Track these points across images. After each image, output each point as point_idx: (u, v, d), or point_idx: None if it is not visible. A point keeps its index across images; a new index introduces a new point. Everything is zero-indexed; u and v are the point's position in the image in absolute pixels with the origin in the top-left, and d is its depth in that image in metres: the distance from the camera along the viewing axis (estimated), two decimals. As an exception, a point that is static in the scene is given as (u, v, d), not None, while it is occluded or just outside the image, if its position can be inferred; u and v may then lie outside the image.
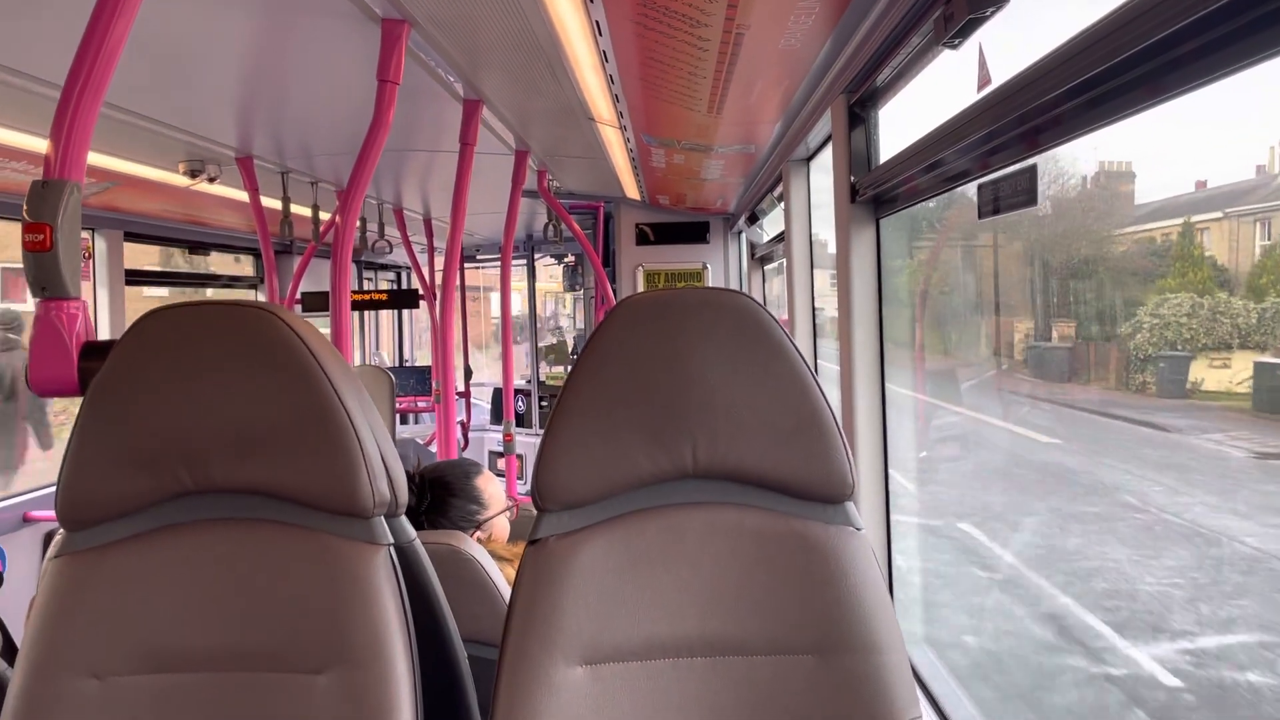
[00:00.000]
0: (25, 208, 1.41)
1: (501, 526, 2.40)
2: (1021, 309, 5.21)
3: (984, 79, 1.60)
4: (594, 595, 1.27)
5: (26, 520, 4.00)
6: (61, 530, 1.34)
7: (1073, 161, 4.08)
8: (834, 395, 1.60)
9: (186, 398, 1.28)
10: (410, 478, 2.23)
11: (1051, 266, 4.80)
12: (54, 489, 1.31)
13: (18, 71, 2.37)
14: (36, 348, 1.44)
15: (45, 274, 1.42)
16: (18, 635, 3.00)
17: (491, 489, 2.39)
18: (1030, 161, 1.52)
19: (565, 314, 10.51)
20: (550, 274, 9.34)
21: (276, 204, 4.30)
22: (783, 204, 3.68)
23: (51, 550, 1.35)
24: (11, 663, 1.87)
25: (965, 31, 1.56)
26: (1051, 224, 4.64)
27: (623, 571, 1.28)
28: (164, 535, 1.31)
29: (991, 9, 1.47)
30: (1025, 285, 5.22)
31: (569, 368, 7.88)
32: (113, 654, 1.27)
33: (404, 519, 1.41)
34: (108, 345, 1.35)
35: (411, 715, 1.24)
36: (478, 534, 2.33)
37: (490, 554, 2.13)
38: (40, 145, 3.05)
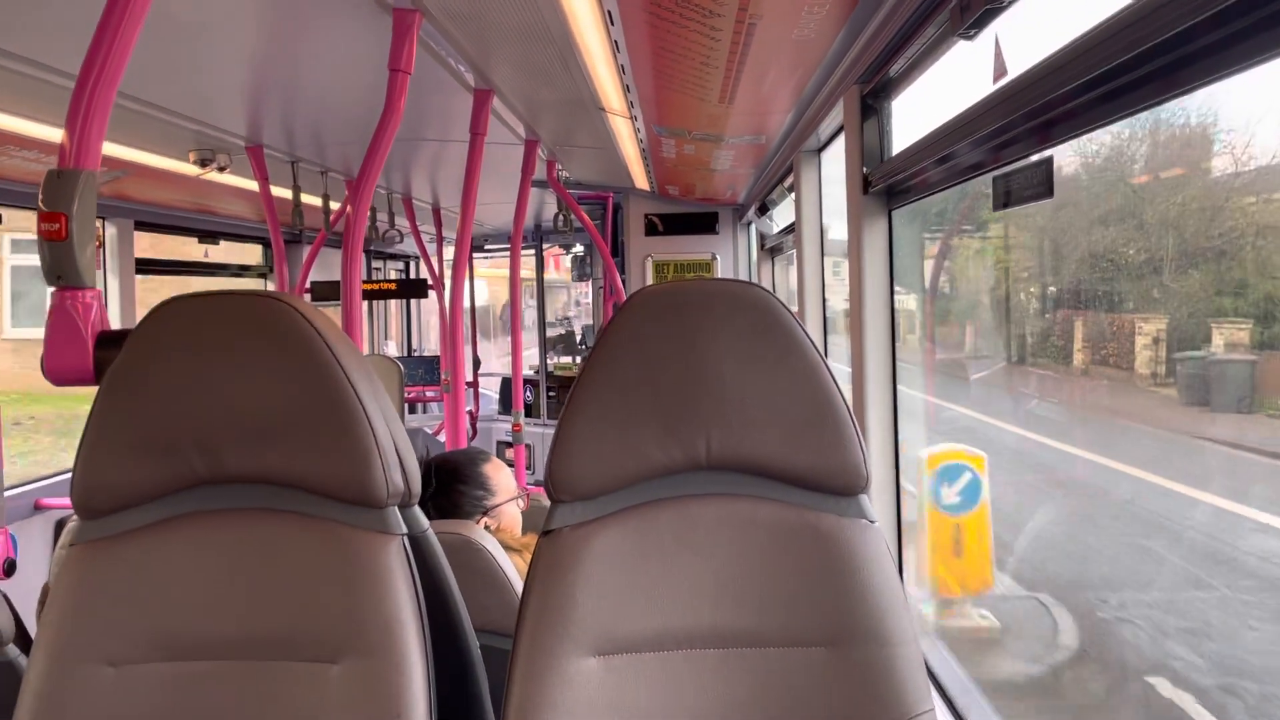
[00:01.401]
0: (40, 196, 1.41)
1: (511, 516, 2.40)
2: (1142, 301, 3.75)
3: (1000, 70, 1.59)
4: (607, 586, 1.27)
5: (38, 508, 4.02)
6: (77, 518, 1.34)
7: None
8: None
9: (202, 387, 1.29)
10: (424, 464, 2.24)
11: (1189, 242, 3.42)
12: (65, 476, 1.32)
13: (31, 60, 2.37)
14: (52, 337, 1.44)
15: (60, 263, 1.42)
16: (29, 622, 3.01)
17: (500, 476, 2.39)
18: (1046, 154, 1.51)
19: (530, 305, 9.17)
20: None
21: (286, 193, 4.30)
22: (793, 195, 3.67)
23: (66, 538, 1.36)
24: (25, 650, 1.88)
25: (981, 22, 1.56)
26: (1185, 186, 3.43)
27: (636, 563, 1.28)
28: (179, 524, 1.31)
29: None
30: (1144, 267, 3.79)
31: (577, 358, 7.88)
32: (128, 642, 1.28)
33: (417, 509, 1.41)
34: (123, 334, 1.35)
35: (424, 705, 1.24)
36: (485, 520, 2.33)
37: (501, 545, 2.14)
38: (51, 134, 3.05)
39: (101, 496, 1.31)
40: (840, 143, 2.68)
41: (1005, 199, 1.66)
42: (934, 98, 2.19)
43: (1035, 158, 1.54)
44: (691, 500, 1.32)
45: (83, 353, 1.44)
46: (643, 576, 1.28)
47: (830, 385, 1.30)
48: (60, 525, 4.08)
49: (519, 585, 2.04)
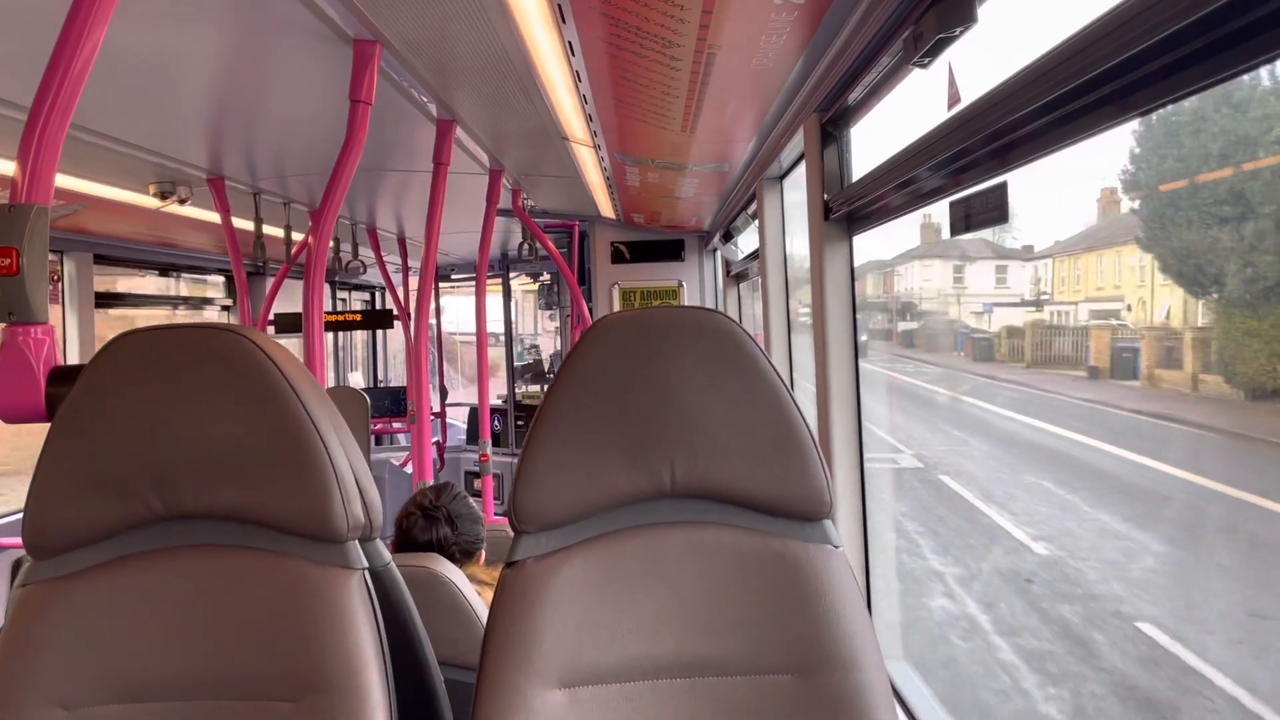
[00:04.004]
0: None
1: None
2: None
3: (954, 97, 1.61)
4: (572, 617, 1.26)
5: None
6: (29, 558, 1.31)
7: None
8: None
9: (156, 422, 1.27)
10: (436, 512, 2.27)
11: None
12: (21, 515, 1.29)
13: None
14: (3, 373, 1.41)
15: (11, 298, 1.40)
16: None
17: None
18: (1001, 179, 1.53)
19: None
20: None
21: (248, 225, 4.27)
22: (757, 221, 3.69)
23: (19, 579, 1.33)
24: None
25: (935, 51, 1.58)
26: None
27: (601, 593, 1.27)
28: (134, 562, 1.29)
29: (960, 28, 1.48)
30: None
31: (544, 387, 7.86)
32: (81, 684, 1.25)
33: (379, 543, 1.40)
34: (76, 370, 1.33)
35: None
36: (480, 553, 2.37)
37: (470, 578, 2.13)
38: (3, 168, 3.02)
39: (54, 535, 1.28)
40: (802, 169, 2.70)
41: (964, 223, 1.69)
42: (896, 123, 2.21)
43: (990, 183, 1.56)
44: (657, 529, 1.31)
45: (34, 389, 1.41)
46: (608, 607, 1.27)
47: (793, 412, 1.30)
48: (18, 565, 3.99)
49: (485, 616, 2.03)
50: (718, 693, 1.26)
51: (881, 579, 2.50)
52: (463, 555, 2.30)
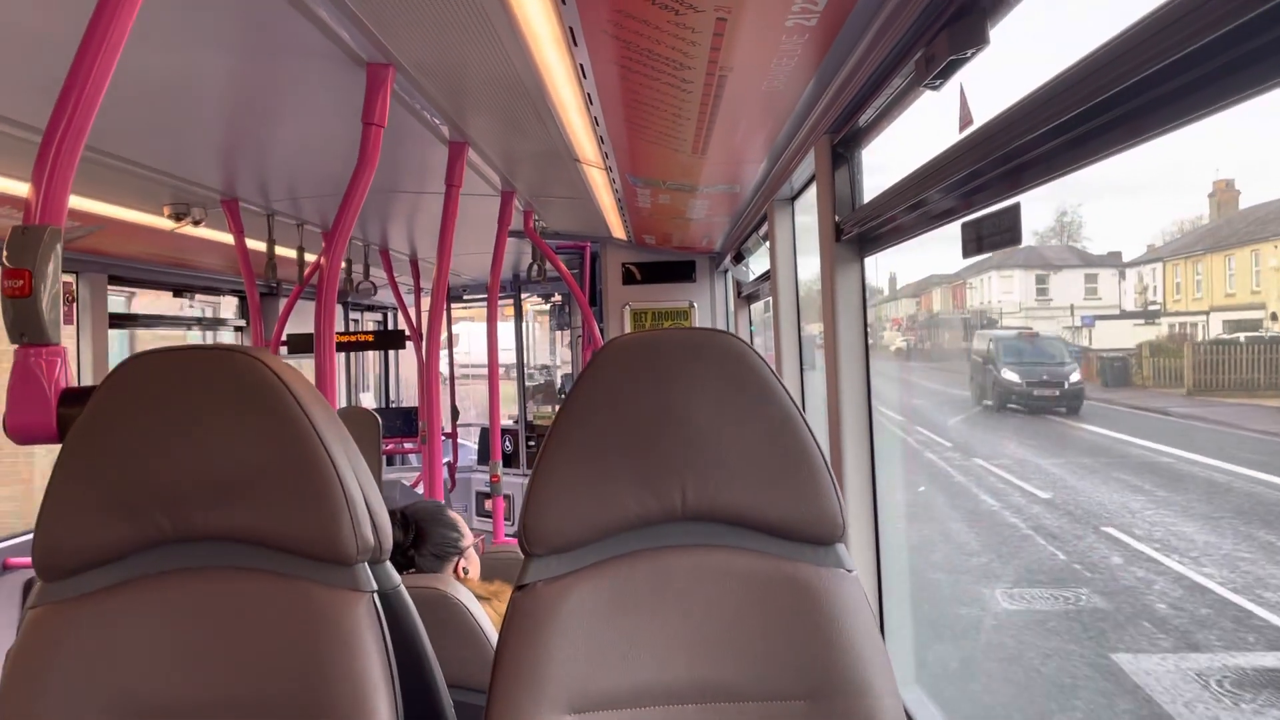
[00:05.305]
0: (5, 253, 1.39)
1: (474, 559, 2.44)
2: None
3: (965, 119, 1.61)
4: (583, 642, 1.25)
5: (7, 568, 3.94)
6: (39, 580, 1.31)
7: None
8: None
9: (167, 444, 1.27)
10: (392, 515, 2.26)
11: None
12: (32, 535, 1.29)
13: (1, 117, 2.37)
14: (14, 394, 1.41)
15: (24, 320, 1.40)
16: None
17: (460, 520, 2.44)
18: (1013, 200, 1.52)
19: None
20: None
21: (262, 246, 4.30)
22: (768, 243, 3.69)
23: (29, 600, 1.33)
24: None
25: (946, 73, 1.58)
26: None
27: (611, 617, 1.26)
28: (143, 584, 1.29)
29: (972, 50, 1.48)
30: None
31: (556, 407, 7.85)
32: (90, 706, 1.24)
33: (389, 565, 1.39)
34: (87, 391, 1.33)
35: None
36: (462, 563, 2.36)
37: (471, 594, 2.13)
38: (20, 189, 3.04)
39: (64, 557, 1.28)
40: (813, 190, 2.70)
41: (976, 245, 1.68)
42: (909, 144, 2.21)
43: (1002, 205, 1.55)
44: (667, 552, 1.30)
45: (46, 410, 1.42)
46: (619, 631, 1.26)
47: (805, 434, 1.29)
48: (29, 585, 4.00)
49: (494, 636, 2.02)
50: (729, 718, 1.25)
51: (895, 603, 2.47)
52: (434, 559, 2.30)
